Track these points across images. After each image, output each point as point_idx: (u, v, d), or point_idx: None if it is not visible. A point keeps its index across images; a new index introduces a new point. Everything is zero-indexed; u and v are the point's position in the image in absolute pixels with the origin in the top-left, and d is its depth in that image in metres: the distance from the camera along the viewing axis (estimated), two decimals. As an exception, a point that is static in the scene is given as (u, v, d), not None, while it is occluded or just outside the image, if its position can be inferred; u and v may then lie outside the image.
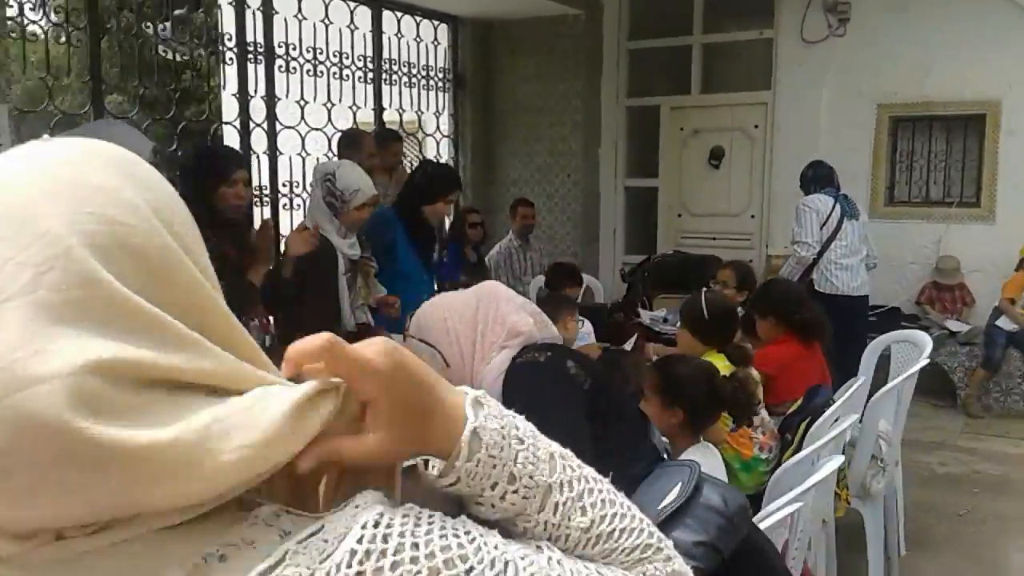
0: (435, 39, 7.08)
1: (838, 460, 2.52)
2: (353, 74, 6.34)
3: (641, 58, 7.71)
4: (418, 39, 6.96)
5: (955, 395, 6.34)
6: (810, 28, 6.95)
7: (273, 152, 5.77)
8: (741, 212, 7.43)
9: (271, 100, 5.77)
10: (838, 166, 6.89)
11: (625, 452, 1.76)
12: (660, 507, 1.60)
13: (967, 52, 6.47)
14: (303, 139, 5.91)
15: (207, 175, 3.14)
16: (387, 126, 6.66)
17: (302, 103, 5.88)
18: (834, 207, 5.52)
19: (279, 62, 5.79)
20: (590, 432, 1.73)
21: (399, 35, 6.78)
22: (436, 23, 7.09)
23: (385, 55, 6.72)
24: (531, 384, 1.77)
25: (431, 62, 7.11)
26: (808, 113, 7.03)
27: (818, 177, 5.75)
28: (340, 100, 6.17)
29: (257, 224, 4.02)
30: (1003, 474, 5.05)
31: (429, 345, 1.90)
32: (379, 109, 6.58)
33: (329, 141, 5.98)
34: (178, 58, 6.76)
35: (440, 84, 7.22)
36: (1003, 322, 6.18)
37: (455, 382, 0.70)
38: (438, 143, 7.28)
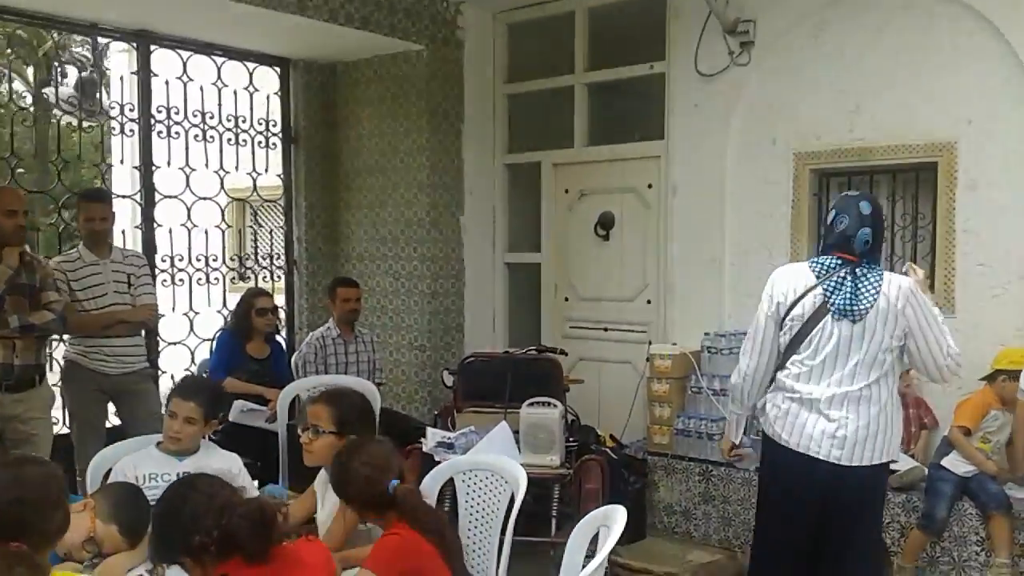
0: (250, 86, 5.87)
1: None
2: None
3: (514, 105, 6.29)
4: (250, 88, 5.83)
5: (890, 559, 4.43)
6: (707, 57, 5.36)
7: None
8: (635, 296, 5.78)
9: None
10: (752, 236, 5.29)
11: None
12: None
13: (910, 78, 4.74)
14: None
15: None
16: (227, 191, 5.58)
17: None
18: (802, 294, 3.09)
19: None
20: None
21: (219, 84, 5.68)
22: (251, 66, 5.89)
23: (198, 107, 5.61)
24: None
25: (258, 115, 5.93)
26: (709, 168, 5.38)
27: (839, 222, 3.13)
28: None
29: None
30: None
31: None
32: (146, 165, 5.37)
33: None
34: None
35: (267, 141, 5.99)
36: (952, 462, 4.25)
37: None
38: (255, 209, 6.02)
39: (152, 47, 5.40)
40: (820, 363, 3.01)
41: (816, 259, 3.12)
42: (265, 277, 6.06)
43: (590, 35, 5.95)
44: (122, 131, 5.25)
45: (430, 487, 3.13)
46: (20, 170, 5.12)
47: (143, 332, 4.66)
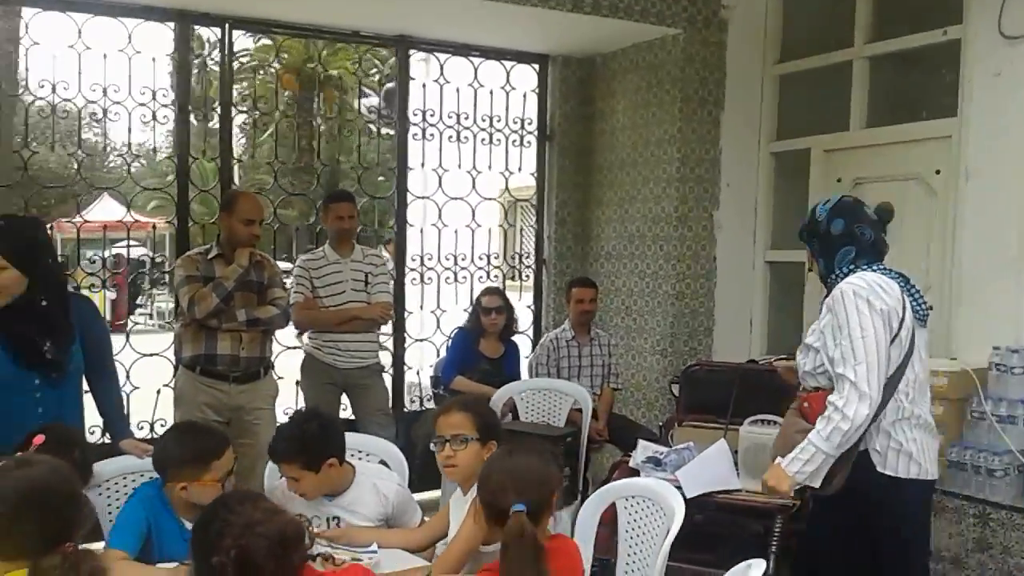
0: (507, 84, 5.85)
1: None
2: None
3: (783, 86, 5.64)
4: (507, 87, 5.85)
5: None
6: (1015, 15, 4.38)
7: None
8: (917, 301, 4.91)
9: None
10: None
11: None
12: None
13: None
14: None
15: None
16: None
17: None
18: (904, 303, 2.80)
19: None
20: None
21: (475, 84, 5.76)
22: (509, 64, 5.87)
23: (453, 108, 5.74)
24: None
25: (514, 113, 5.93)
26: (1015, 149, 4.40)
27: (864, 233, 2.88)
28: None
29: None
30: None
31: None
32: (401, 168, 5.56)
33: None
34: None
35: (521, 139, 5.95)
36: None
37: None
38: (505, 208, 6.00)
39: (410, 52, 5.58)
40: (923, 378, 2.83)
41: (879, 265, 2.86)
42: (513, 276, 6.04)
43: (874, 2, 5.17)
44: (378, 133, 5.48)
45: (591, 510, 2.83)
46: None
47: (378, 329, 4.80)
